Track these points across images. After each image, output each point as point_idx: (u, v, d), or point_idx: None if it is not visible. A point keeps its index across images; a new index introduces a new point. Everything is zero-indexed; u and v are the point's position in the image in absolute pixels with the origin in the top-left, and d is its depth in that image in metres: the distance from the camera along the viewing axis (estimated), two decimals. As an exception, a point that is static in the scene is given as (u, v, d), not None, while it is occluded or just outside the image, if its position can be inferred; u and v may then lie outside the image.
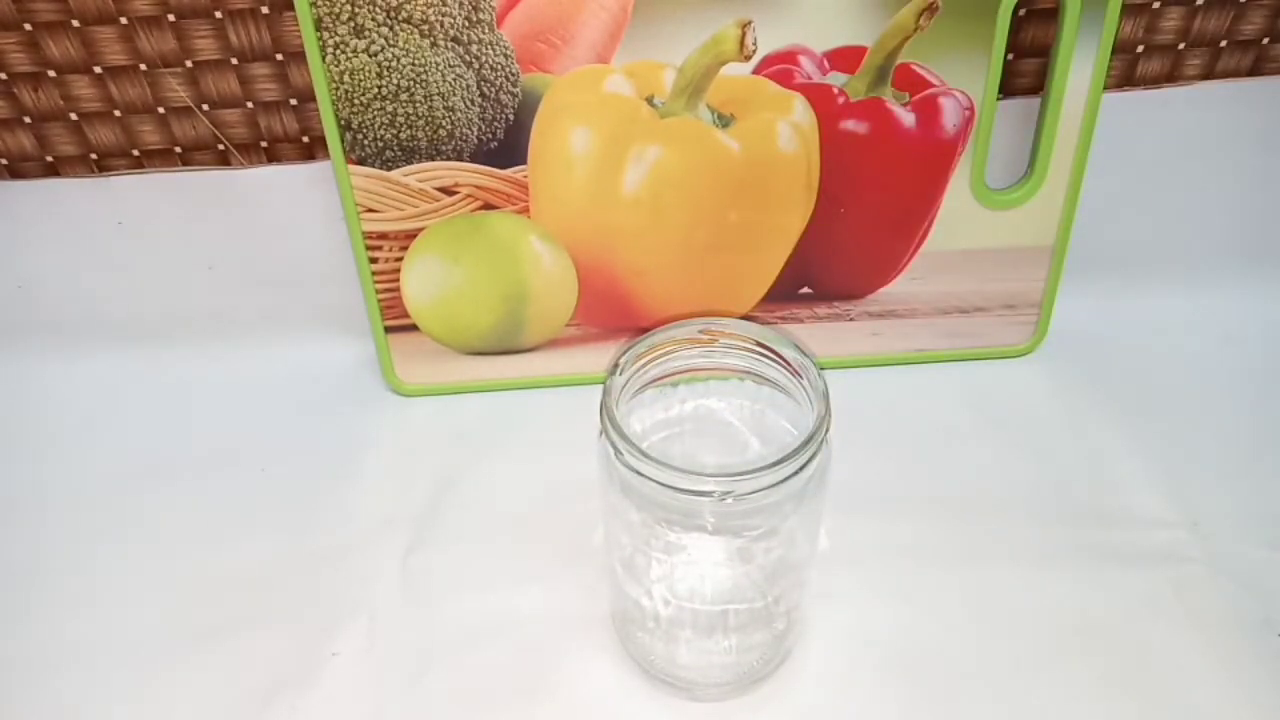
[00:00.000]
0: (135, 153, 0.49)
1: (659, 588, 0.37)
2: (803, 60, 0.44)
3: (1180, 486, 0.45)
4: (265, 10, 0.45)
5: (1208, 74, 0.50)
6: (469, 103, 0.44)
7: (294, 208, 0.50)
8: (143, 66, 0.47)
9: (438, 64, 0.43)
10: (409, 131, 0.44)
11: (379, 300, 0.49)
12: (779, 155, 0.46)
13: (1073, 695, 0.38)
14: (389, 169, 0.45)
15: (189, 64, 0.47)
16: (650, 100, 0.44)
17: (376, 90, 0.43)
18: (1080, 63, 0.44)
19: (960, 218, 0.48)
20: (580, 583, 0.42)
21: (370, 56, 0.43)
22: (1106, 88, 0.46)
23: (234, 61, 0.47)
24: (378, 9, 0.42)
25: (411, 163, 0.45)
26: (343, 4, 0.41)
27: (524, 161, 0.46)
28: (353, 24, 0.42)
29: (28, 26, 0.45)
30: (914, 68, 0.44)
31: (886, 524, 0.44)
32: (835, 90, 0.45)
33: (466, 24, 0.43)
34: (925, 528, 0.44)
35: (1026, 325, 0.52)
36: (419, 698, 0.39)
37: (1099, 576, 0.42)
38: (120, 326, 0.53)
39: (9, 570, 0.44)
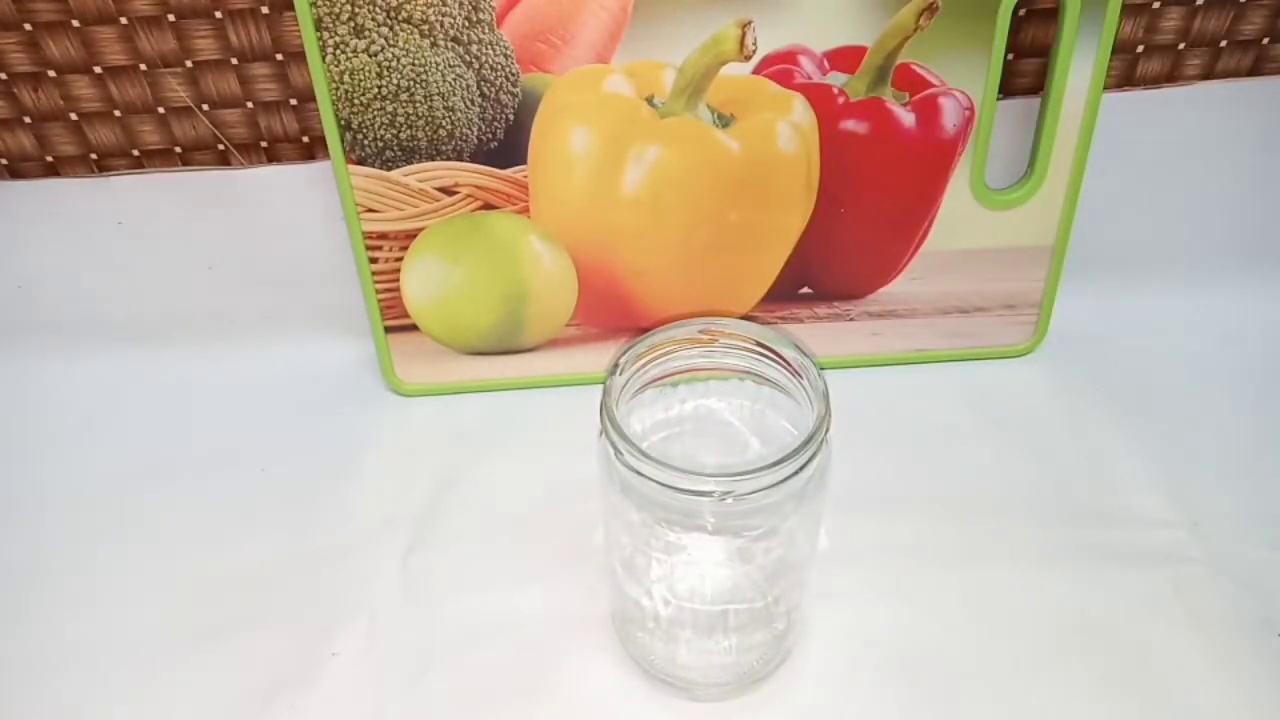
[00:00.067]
0: (135, 153, 0.49)
1: (659, 588, 0.37)
2: (803, 60, 0.44)
3: (1180, 486, 0.45)
4: (265, 10, 0.45)
5: (1208, 74, 0.50)
6: (469, 103, 0.44)
7: (294, 208, 0.50)
8: (143, 66, 0.47)
9: (438, 64, 0.43)
10: (409, 131, 0.44)
11: (379, 300, 0.49)
12: (779, 155, 0.46)
13: (1073, 695, 0.38)
14: (389, 169, 0.45)
15: (189, 64, 0.47)
16: (650, 100, 0.44)
17: (376, 90, 0.43)
18: (1080, 63, 0.44)
19: (960, 218, 0.48)
20: (580, 583, 0.42)
21: (370, 56, 0.43)
22: (1106, 88, 0.46)
23: (234, 61, 0.47)
24: (378, 9, 0.42)
25: (411, 163, 0.45)
26: (343, 4, 0.41)
27: (524, 161, 0.46)
28: (353, 24, 0.42)
29: (28, 26, 0.45)
30: (914, 68, 0.44)
31: (886, 524, 0.44)
32: (835, 90, 0.45)
33: (466, 24, 0.43)
34: (925, 528, 0.44)
35: (1026, 325, 0.52)
36: (419, 698, 0.39)
37: (1099, 576, 0.42)
38: (120, 326, 0.53)
39: (9, 570, 0.44)
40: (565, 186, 0.46)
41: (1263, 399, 0.50)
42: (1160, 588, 0.41)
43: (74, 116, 0.48)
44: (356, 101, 0.43)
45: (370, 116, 0.44)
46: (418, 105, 0.44)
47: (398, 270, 0.48)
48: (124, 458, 0.49)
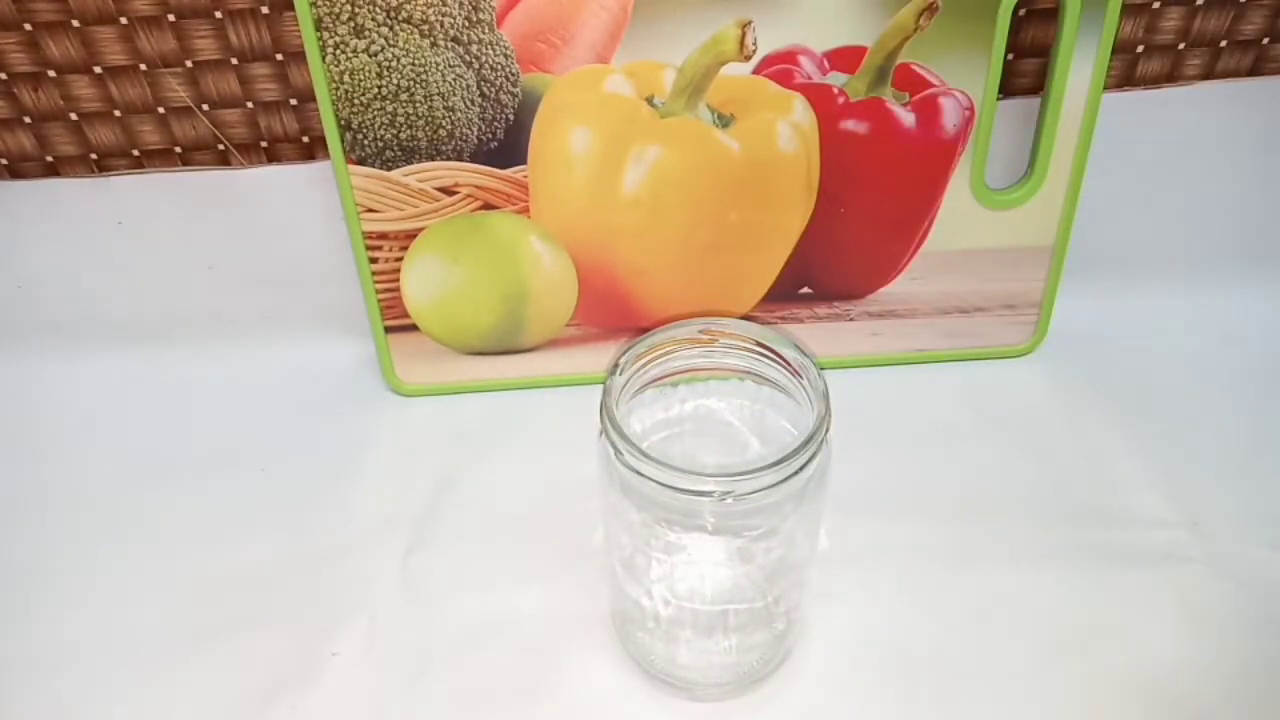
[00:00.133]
0: (135, 153, 0.49)
1: (659, 588, 0.37)
2: (803, 60, 0.44)
3: (1180, 486, 0.45)
4: (265, 10, 0.45)
5: (1208, 74, 0.50)
6: (469, 103, 0.44)
7: (294, 208, 0.50)
8: (143, 66, 0.47)
9: (438, 64, 0.43)
10: (409, 131, 0.44)
11: (379, 300, 0.49)
12: (779, 155, 0.46)
13: (1073, 695, 0.38)
14: (389, 169, 0.45)
15: (189, 64, 0.47)
16: (650, 100, 0.44)
17: (376, 90, 0.43)
18: (1080, 63, 0.44)
19: (960, 218, 0.48)
20: (580, 583, 0.42)
21: (370, 56, 0.43)
22: (1106, 88, 0.46)
23: (234, 61, 0.47)
24: (378, 9, 0.42)
25: (411, 163, 0.45)
26: (343, 4, 0.41)
27: (524, 161, 0.46)
28: (353, 24, 0.42)
29: (28, 26, 0.45)
30: (914, 68, 0.44)
31: (886, 524, 0.44)
32: (835, 90, 0.45)
33: (466, 24, 0.43)
34: (925, 528, 0.44)
35: (1026, 325, 0.52)
36: (419, 698, 0.39)
37: (1099, 576, 0.42)
38: (120, 326, 0.53)
39: (9, 570, 0.44)
40: (565, 186, 0.46)
41: (1263, 399, 0.50)
42: (1160, 588, 0.41)
43: (74, 116, 0.48)
44: (356, 101, 0.43)
45: (370, 116, 0.44)
46: (418, 105, 0.44)
47: (398, 270, 0.48)
48: (124, 458, 0.49)
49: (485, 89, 0.44)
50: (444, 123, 0.44)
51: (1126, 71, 0.50)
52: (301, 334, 0.53)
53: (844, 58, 0.44)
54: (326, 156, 0.46)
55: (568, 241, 0.48)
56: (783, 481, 0.32)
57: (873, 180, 0.47)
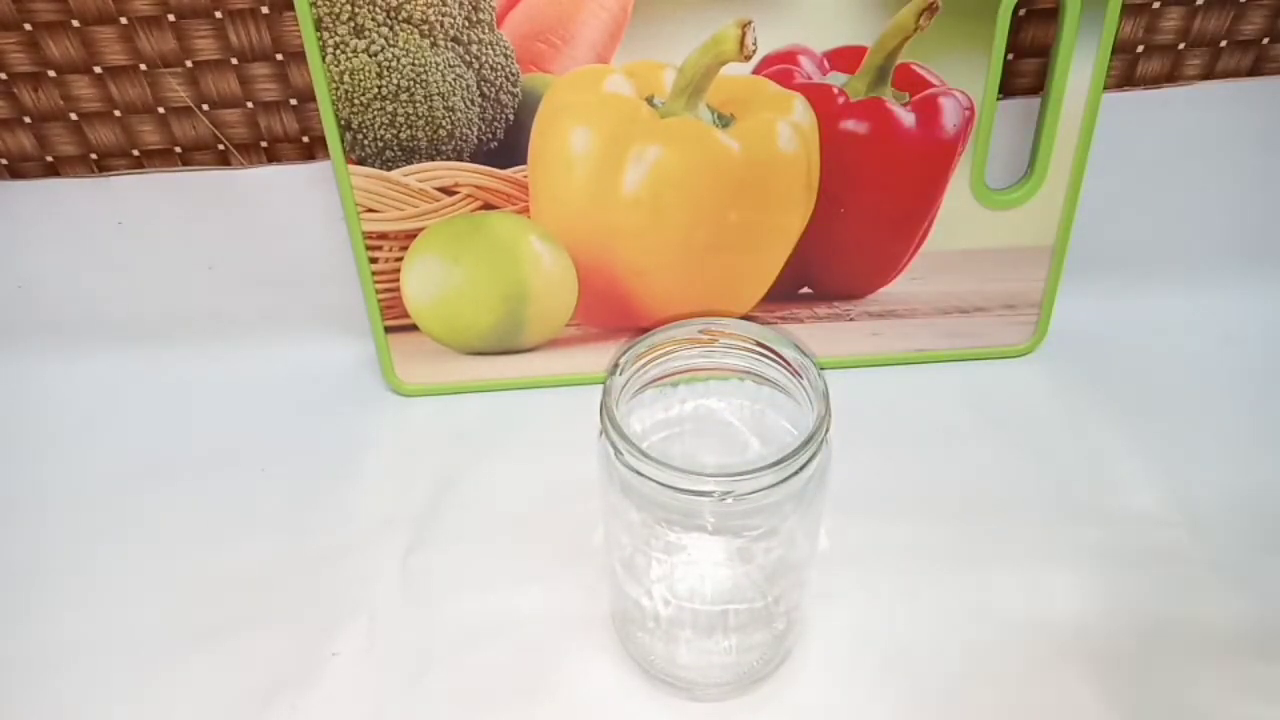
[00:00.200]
0: (135, 153, 0.49)
1: (659, 588, 0.37)
2: (803, 60, 0.44)
3: (1180, 486, 0.45)
4: (265, 10, 0.45)
5: (1208, 74, 0.50)
6: (469, 103, 0.44)
7: (294, 208, 0.50)
8: (143, 66, 0.47)
9: (438, 64, 0.43)
10: (409, 131, 0.44)
11: (379, 300, 0.49)
12: (779, 155, 0.46)
13: (1073, 695, 0.38)
14: (389, 169, 0.45)
15: (189, 64, 0.47)
16: (650, 100, 0.44)
17: (376, 90, 0.43)
18: (1080, 63, 0.44)
19: (960, 218, 0.48)
20: (580, 583, 0.42)
21: (370, 56, 0.43)
22: (1106, 88, 0.46)
23: (234, 61, 0.47)
24: (378, 9, 0.42)
25: (411, 163, 0.45)
26: (343, 4, 0.41)
27: (524, 161, 0.46)
28: (353, 24, 0.42)
29: (28, 26, 0.45)
30: (914, 68, 0.44)
31: (886, 524, 0.44)
32: (835, 90, 0.45)
33: (466, 24, 0.43)
34: (925, 528, 0.44)
35: (1026, 325, 0.52)
36: (419, 698, 0.39)
37: (1099, 576, 0.42)
38: (120, 326, 0.53)
39: (9, 570, 0.44)
40: (565, 186, 0.46)
41: (1263, 399, 0.50)
42: (1160, 588, 0.41)
43: (74, 116, 0.48)
44: (356, 101, 0.43)
45: (370, 116, 0.44)
46: (418, 105, 0.44)
47: (398, 270, 0.48)
48: (124, 458, 0.49)
49: (485, 89, 0.44)
50: (444, 123, 0.44)
51: (1126, 71, 0.50)
52: (301, 334, 0.53)
53: (844, 58, 0.44)
54: (326, 156, 0.46)
55: (568, 241, 0.48)
56: (783, 481, 0.32)
57: (873, 180, 0.47)
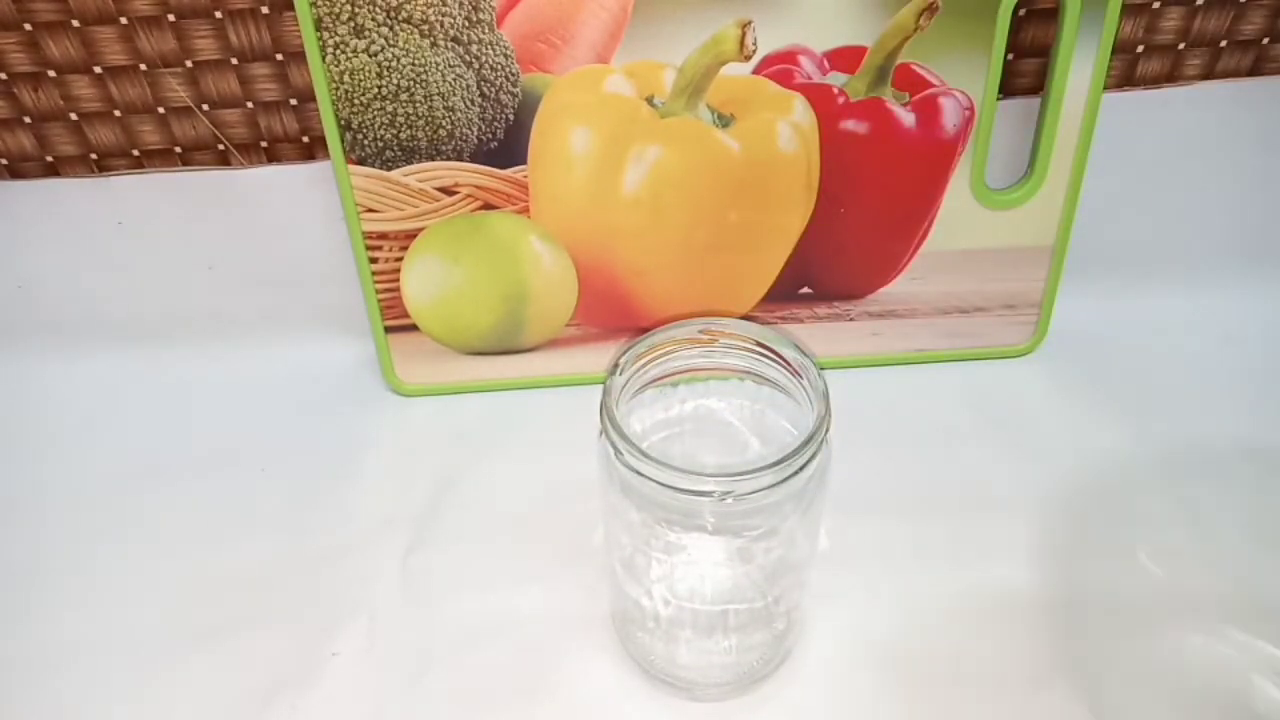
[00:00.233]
0: (135, 153, 0.49)
1: (659, 588, 0.37)
2: (803, 60, 0.44)
3: (1180, 487, 0.45)
4: (265, 10, 0.45)
5: (1208, 74, 0.50)
6: (469, 103, 0.44)
7: (294, 208, 0.50)
8: (143, 66, 0.47)
9: (438, 64, 0.43)
10: (409, 131, 0.44)
11: (379, 300, 0.49)
12: (779, 155, 0.46)
13: (1073, 695, 0.38)
14: (389, 169, 0.45)
15: (189, 64, 0.47)
16: (650, 100, 0.44)
17: (376, 90, 0.43)
18: (1080, 63, 0.44)
19: (960, 218, 0.48)
20: (580, 583, 0.42)
21: (370, 56, 0.43)
22: (1106, 88, 0.46)
23: (234, 61, 0.47)
24: (378, 9, 0.42)
25: (411, 163, 0.45)
26: (343, 4, 0.41)
27: (524, 161, 0.46)
28: (353, 24, 0.42)
29: (28, 26, 0.45)
30: (914, 68, 0.44)
31: (886, 524, 0.44)
32: (835, 90, 0.45)
33: (466, 24, 0.43)
34: (925, 528, 0.44)
35: (1026, 325, 0.52)
36: (419, 698, 0.39)
37: (1099, 576, 0.42)
38: (120, 326, 0.53)
39: (9, 570, 0.44)
40: (565, 186, 0.46)
41: (1263, 399, 0.50)
42: (1160, 587, 0.41)
43: (74, 116, 0.48)
44: (356, 101, 0.43)
45: (370, 116, 0.44)
46: (418, 105, 0.44)
47: (398, 270, 0.48)
48: (124, 458, 0.49)
49: (485, 89, 0.44)
50: (444, 123, 0.44)
51: (1126, 71, 0.50)
52: (301, 334, 0.53)
53: (844, 58, 0.44)
54: (326, 156, 0.46)
55: (568, 241, 0.48)
56: (783, 481, 0.32)
57: (873, 180, 0.47)
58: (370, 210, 0.46)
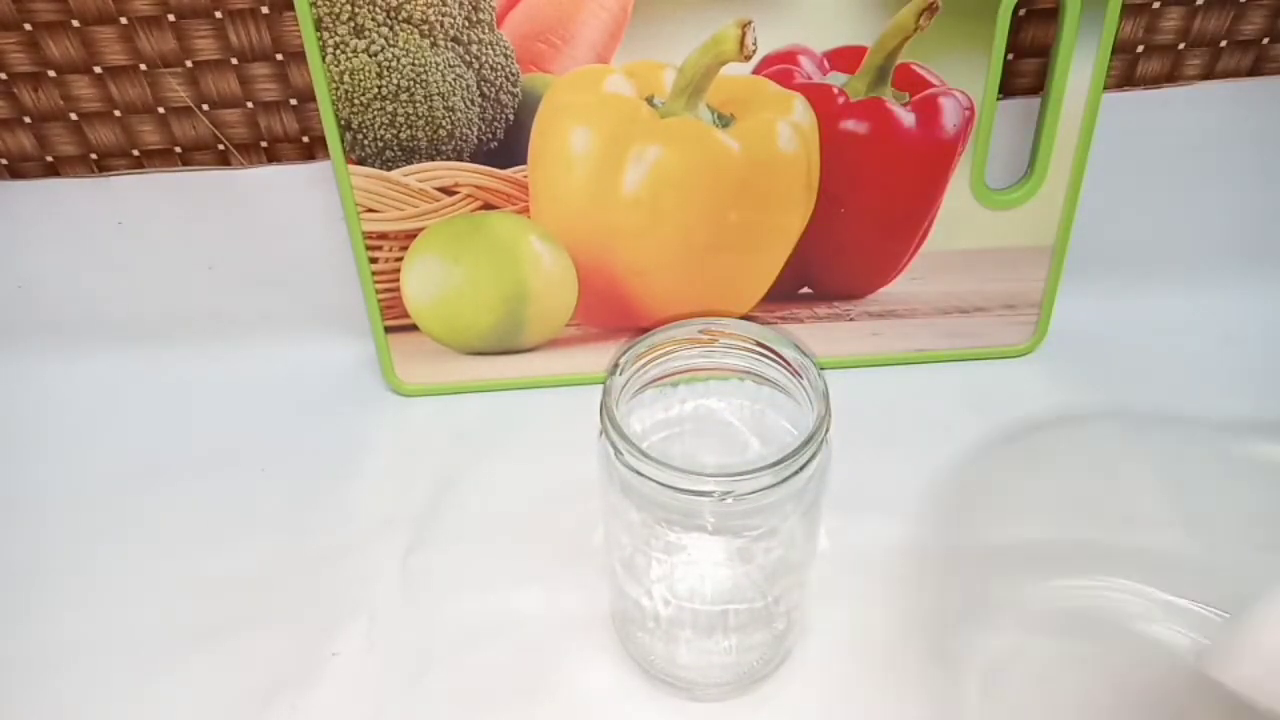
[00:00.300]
0: (135, 153, 0.49)
1: (659, 588, 0.37)
2: (803, 60, 0.44)
3: (1180, 487, 0.45)
4: (265, 10, 0.45)
5: (1208, 74, 0.50)
6: (469, 103, 0.44)
7: (294, 208, 0.50)
8: (143, 66, 0.47)
9: (438, 64, 0.43)
10: (409, 131, 0.44)
11: (379, 300, 0.49)
12: (779, 155, 0.46)
13: (1073, 696, 0.38)
14: (389, 169, 0.45)
15: (189, 64, 0.47)
16: (650, 100, 0.44)
17: (376, 90, 0.43)
18: (1080, 63, 0.44)
19: (960, 218, 0.48)
20: (580, 583, 0.42)
21: (370, 56, 0.43)
22: (1106, 88, 0.46)
23: (234, 61, 0.47)
24: (378, 9, 0.42)
25: (411, 163, 0.45)
26: (343, 4, 0.41)
27: (524, 161, 0.46)
28: (353, 24, 0.42)
29: (28, 26, 0.45)
30: (914, 68, 0.44)
31: (886, 524, 0.44)
32: (835, 90, 0.45)
33: (466, 24, 0.43)
34: (925, 528, 0.44)
35: (1026, 325, 0.52)
36: (419, 698, 0.39)
37: (1099, 577, 0.42)
38: (120, 326, 0.53)
39: (9, 570, 0.44)
40: (565, 186, 0.46)
41: (1263, 399, 0.50)
42: (1160, 588, 0.41)
43: (74, 116, 0.48)
44: (356, 101, 0.43)
45: (370, 116, 0.44)
46: (418, 105, 0.44)
47: (398, 270, 0.48)
48: (124, 458, 0.49)
49: (485, 89, 0.44)
50: (444, 123, 0.44)
51: (1126, 71, 0.50)
52: (301, 334, 0.53)
53: (844, 58, 0.44)
54: (326, 156, 0.46)
55: (568, 241, 0.48)
56: (783, 481, 0.32)
57: (873, 180, 0.47)
58: (370, 210, 0.46)
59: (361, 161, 0.45)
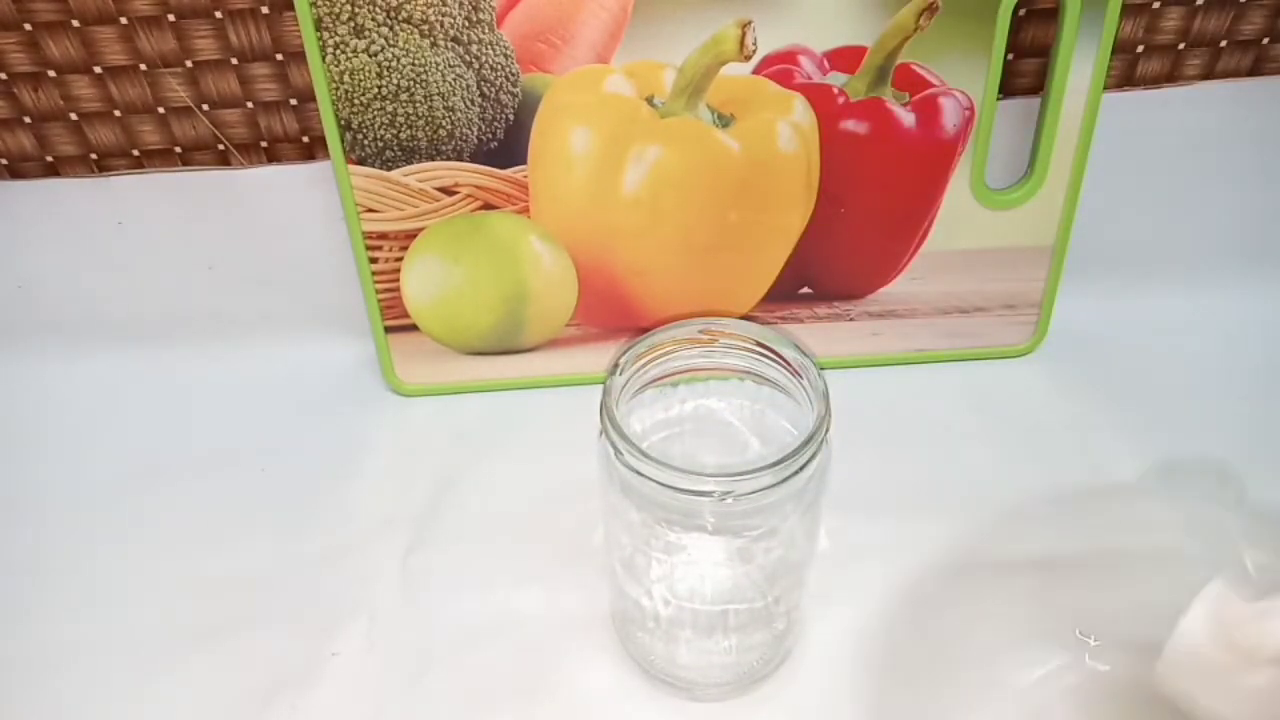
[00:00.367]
0: (135, 153, 0.49)
1: (659, 588, 0.37)
2: (803, 60, 0.44)
3: (1180, 487, 0.45)
4: (265, 10, 0.45)
5: (1208, 74, 0.50)
6: (469, 103, 0.44)
7: (294, 208, 0.50)
8: (143, 66, 0.47)
9: (438, 64, 0.43)
10: (409, 131, 0.44)
11: (379, 300, 0.49)
12: (779, 155, 0.46)
13: (1074, 696, 0.38)
14: (389, 169, 0.45)
15: (189, 64, 0.47)
16: (650, 100, 0.44)
17: (376, 90, 0.43)
18: (1080, 63, 0.44)
19: (960, 218, 0.48)
20: (580, 583, 0.42)
21: (370, 56, 0.43)
22: (1106, 88, 0.46)
23: (234, 61, 0.47)
24: (378, 9, 0.42)
25: (411, 163, 0.45)
26: (343, 4, 0.41)
27: (524, 161, 0.46)
28: (353, 24, 0.42)
29: (28, 26, 0.45)
30: (914, 68, 0.44)
31: (886, 524, 0.44)
32: (835, 90, 0.45)
33: (466, 24, 0.43)
34: (925, 528, 0.44)
35: (1026, 325, 0.52)
36: (419, 698, 0.39)
37: (1099, 577, 0.42)
38: (120, 326, 0.53)
39: (9, 570, 0.44)
40: (565, 186, 0.46)
41: (1263, 399, 0.50)
42: (1160, 588, 0.41)
43: (74, 116, 0.48)
44: (356, 101, 0.43)
45: (370, 116, 0.44)
46: (418, 105, 0.44)
47: (398, 270, 0.48)
48: (124, 458, 0.49)
49: (485, 89, 0.44)
50: (444, 123, 0.44)
51: (1126, 71, 0.50)
52: (301, 334, 0.53)
53: (844, 58, 0.44)
54: (326, 156, 0.46)
55: (568, 241, 0.48)
56: (783, 481, 0.32)
57: (873, 180, 0.47)
58: (370, 210, 0.46)
59: (361, 161, 0.45)
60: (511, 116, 0.45)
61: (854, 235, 0.48)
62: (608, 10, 0.43)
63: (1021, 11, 0.46)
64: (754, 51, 0.44)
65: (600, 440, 0.34)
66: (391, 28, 0.42)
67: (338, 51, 0.42)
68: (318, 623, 0.41)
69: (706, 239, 0.48)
